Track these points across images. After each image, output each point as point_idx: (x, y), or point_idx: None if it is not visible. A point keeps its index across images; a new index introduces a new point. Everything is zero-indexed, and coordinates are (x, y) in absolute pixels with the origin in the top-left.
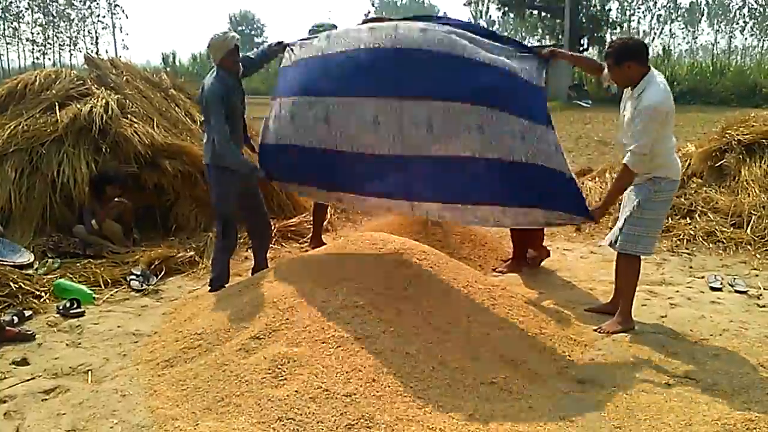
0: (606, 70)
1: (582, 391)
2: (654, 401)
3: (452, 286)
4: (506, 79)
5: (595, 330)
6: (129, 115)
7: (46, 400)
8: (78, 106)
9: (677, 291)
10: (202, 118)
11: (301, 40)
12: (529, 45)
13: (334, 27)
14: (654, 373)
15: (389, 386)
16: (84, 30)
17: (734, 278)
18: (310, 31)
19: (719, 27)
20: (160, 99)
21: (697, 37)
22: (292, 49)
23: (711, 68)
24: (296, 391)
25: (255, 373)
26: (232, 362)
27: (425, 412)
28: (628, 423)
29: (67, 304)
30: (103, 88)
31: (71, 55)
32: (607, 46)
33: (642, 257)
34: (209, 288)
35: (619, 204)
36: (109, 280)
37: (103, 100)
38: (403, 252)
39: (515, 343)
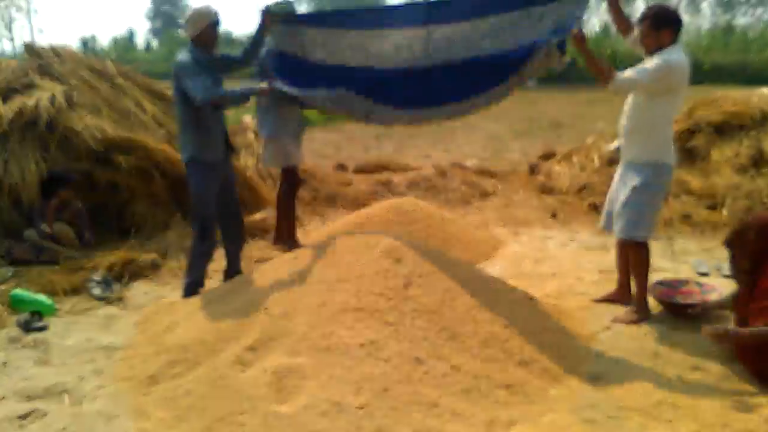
0: (635, 33)
1: (596, 387)
2: (670, 394)
3: (453, 284)
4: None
5: (612, 321)
6: (77, 108)
7: (23, 426)
8: (22, 98)
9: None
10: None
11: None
12: None
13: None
14: (662, 364)
15: (403, 395)
16: None
17: (719, 262)
18: (266, 10)
19: None
20: (107, 89)
21: None
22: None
23: None
24: (305, 406)
25: (256, 388)
26: (228, 376)
27: (444, 422)
28: (651, 422)
29: (28, 317)
30: (47, 78)
31: None
32: (646, 9)
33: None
34: (183, 293)
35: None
36: (68, 288)
37: (49, 92)
38: (397, 248)
39: (523, 341)
